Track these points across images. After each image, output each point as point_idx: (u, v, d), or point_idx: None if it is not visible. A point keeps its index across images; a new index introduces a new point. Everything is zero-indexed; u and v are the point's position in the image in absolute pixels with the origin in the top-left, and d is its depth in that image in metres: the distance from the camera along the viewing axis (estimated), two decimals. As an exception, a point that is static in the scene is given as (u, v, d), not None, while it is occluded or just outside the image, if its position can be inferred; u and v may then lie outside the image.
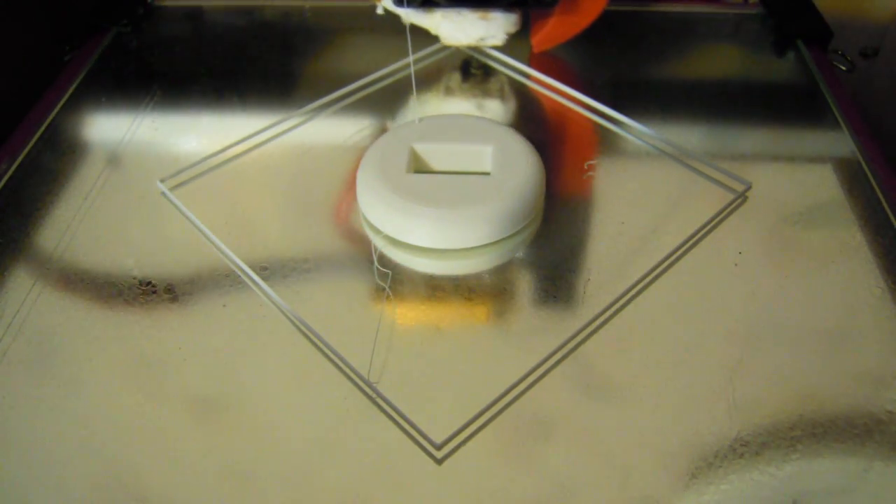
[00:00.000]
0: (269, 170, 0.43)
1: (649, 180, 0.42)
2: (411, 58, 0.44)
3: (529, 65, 0.49)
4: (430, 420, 0.30)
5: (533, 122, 0.46)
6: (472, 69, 0.48)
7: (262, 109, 0.47)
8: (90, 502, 0.29)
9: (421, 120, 0.41)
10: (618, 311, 0.35)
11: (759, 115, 0.47)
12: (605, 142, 0.45)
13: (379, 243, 0.38)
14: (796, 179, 0.42)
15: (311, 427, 0.31)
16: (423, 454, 0.30)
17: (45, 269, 0.37)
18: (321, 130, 0.46)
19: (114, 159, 0.43)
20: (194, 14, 0.56)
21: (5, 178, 0.42)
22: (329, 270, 0.37)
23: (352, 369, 0.32)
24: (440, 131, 0.41)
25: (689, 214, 0.39)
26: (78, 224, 0.39)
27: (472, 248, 0.37)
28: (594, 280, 0.36)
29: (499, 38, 0.46)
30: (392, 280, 0.36)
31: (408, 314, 0.35)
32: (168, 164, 0.42)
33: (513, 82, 0.49)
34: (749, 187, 0.41)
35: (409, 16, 0.45)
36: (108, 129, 0.46)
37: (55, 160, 0.43)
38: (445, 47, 0.49)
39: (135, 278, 0.37)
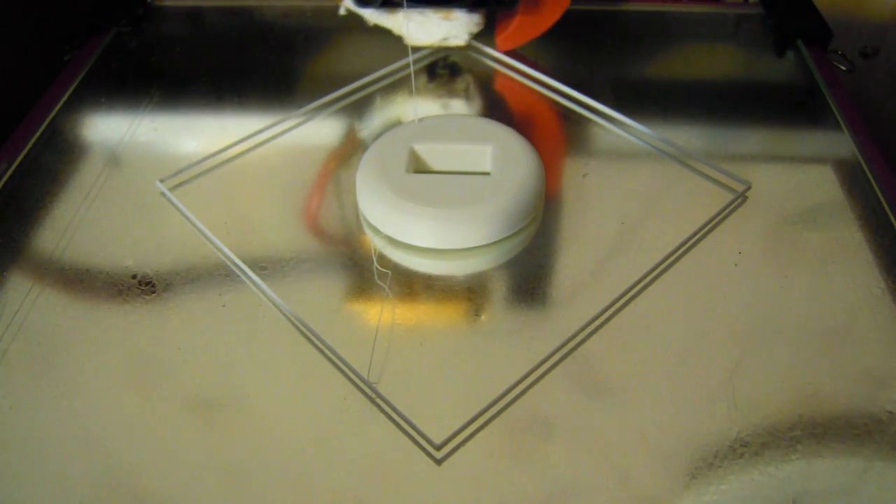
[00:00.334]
0: (268, 170, 0.43)
1: (649, 180, 0.42)
2: (411, 58, 0.44)
3: (529, 65, 0.49)
4: (429, 420, 0.30)
5: (533, 122, 0.46)
6: (438, 69, 0.48)
7: (262, 109, 0.47)
8: (90, 502, 0.29)
9: (421, 120, 0.41)
10: (618, 311, 0.35)
11: (759, 114, 0.47)
12: (604, 142, 0.45)
13: (379, 243, 0.38)
14: (796, 179, 0.42)
15: (310, 427, 0.31)
16: (422, 454, 0.30)
17: (45, 269, 0.37)
18: (321, 130, 0.45)
19: (114, 159, 0.43)
20: (194, 14, 0.56)
21: (5, 178, 0.42)
22: (328, 270, 0.37)
23: (351, 369, 0.32)
24: (440, 131, 0.41)
25: (689, 214, 0.39)
26: (78, 224, 0.39)
27: (472, 248, 0.37)
28: (594, 280, 0.36)
29: (462, 37, 0.46)
30: (392, 280, 0.36)
31: (407, 314, 0.35)
32: (168, 164, 0.42)
33: (512, 82, 0.49)
34: (749, 187, 0.41)
35: (372, 16, 0.45)
36: (108, 129, 0.46)
37: (55, 160, 0.43)
38: (445, 48, 0.49)
39: (134, 278, 0.37)
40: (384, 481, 0.29)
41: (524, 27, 0.47)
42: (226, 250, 0.37)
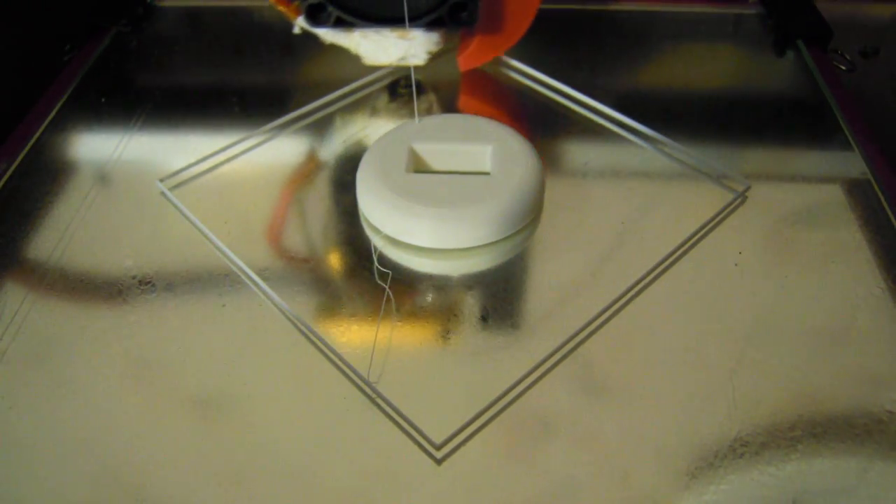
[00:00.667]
0: (268, 170, 0.43)
1: (649, 180, 0.42)
2: (411, 58, 0.44)
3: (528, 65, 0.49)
4: (429, 420, 0.30)
5: (533, 122, 0.46)
6: (399, 89, 0.48)
7: (262, 109, 0.47)
8: (90, 502, 0.29)
9: (420, 120, 0.41)
10: (618, 311, 0.35)
11: (759, 114, 0.47)
12: (604, 142, 0.45)
13: (379, 243, 0.38)
14: (796, 179, 0.42)
15: (310, 427, 0.31)
16: (422, 454, 0.30)
17: (45, 269, 0.37)
18: (320, 130, 0.45)
19: (113, 159, 0.43)
20: (194, 14, 0.56)
21: (5, 178, 0.42)
22: (329, 270, 0.37)
23: (351, 369, 0.32)
24: (440, 131, 0.41)
25: (689, 214, 0.39)
26: (78, 224, 0.39)
27: (472, 248, 0.37)
28: (594, 280, 0.36)
29: (420, 57, 0.45)
30: (392, 280, 0.36)
31: (408, 314, 0.35)
32: (168, 164, 0.42)
33: (512, 82, 0.49)
34: (749, 187, 0.41)
35: (327, 35, 0.45)
36: (108, 129, 0.46)
37: (55, 160, 0.43)
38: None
39: (134, 278, 0.36)
40: (384, 481, 0.29)
41: (484, 47, 0.46)
42: (226, 250, 0.37)
